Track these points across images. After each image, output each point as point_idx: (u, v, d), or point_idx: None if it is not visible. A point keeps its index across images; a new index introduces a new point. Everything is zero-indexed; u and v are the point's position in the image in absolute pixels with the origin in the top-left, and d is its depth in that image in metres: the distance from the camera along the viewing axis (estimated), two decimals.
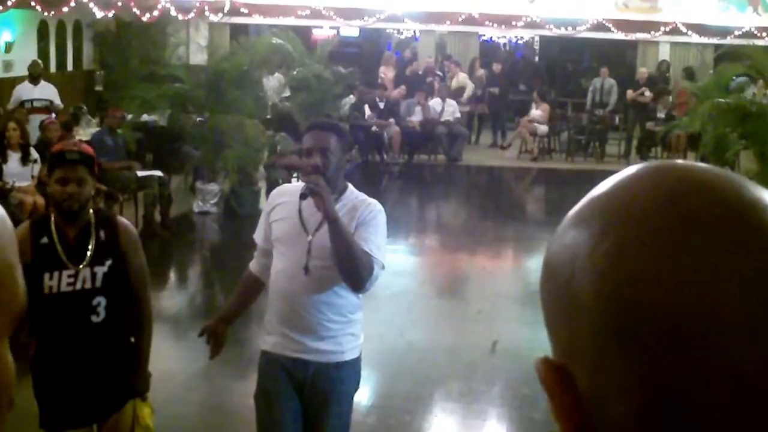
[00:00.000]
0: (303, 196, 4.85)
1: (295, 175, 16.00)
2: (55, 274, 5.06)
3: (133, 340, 5.41)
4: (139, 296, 5.36)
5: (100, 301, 5.13)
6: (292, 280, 5.08)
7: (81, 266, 5.10)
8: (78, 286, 5.09)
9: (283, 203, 5.20)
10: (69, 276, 5.08)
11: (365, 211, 5.05)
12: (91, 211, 5.24)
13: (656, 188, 0.98)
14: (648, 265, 0.93)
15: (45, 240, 5.10)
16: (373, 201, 5.17)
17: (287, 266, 5.11)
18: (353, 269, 4.85)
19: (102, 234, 5.18)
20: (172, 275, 13.18)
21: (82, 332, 5.12)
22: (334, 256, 4.84)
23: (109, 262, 5.16)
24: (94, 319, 5.13)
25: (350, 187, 5.22)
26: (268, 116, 18.32)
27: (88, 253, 5.12)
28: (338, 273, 4.91)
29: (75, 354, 5.14)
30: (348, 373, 5.28)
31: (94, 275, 5.11)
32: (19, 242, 4.27)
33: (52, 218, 5.18)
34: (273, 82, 20.36)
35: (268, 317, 5.28)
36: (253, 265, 5.49)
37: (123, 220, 5.42)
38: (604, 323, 0.94)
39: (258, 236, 5.41)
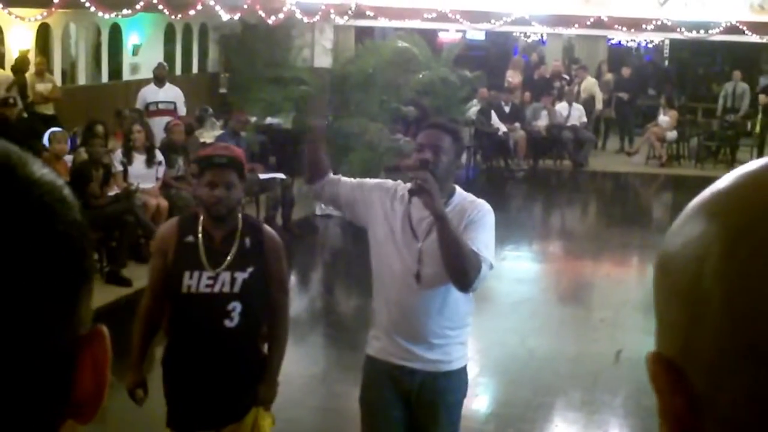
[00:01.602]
0: (411, 192, 4.77)
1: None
2: (195, 273, 5.10)
3: (266, 348, 5.40)
4: (278, 307, 5.35)
5: (236, 306, 5.12)
6: (402, 289, 5.02)
7: (221, 269, 5.11)
8: (216, 288, 5.10)
9: (387, 203, 5.12)
10: (208, 278, 5.11)
11: (473, 211, 4.96)
12: (240, 216, 5.26)
13: None
14: None
15: (190, 239, 5.15)
16: (482, 201, 5.09)
17: (396, 274, 5.04)
18: (461, 268, 4.74)
19: (247, 241, 5.19)
20: (293, 278, 13.18)
21: (214, 335, 5.13)
22: (441, 255, 4.74)
23: (250, 269, 5.16)
24: (227, 323, 5.12)
25: (458, 189, 5.13)
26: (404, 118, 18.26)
27: (230, 257, 5.13)
28: (446, 274, 4.82)
29: (204, 356, 5.16)
30: (456, 382, 5.20)
31: (233, 280, 5.12)
32: (165, 239, 4.48)
33: (201, 218, 5.20)
34: None
35: (376, 323, 5.24)
36: (337, 178, 5.33)
37: (270, 230, 5.42)
38: (734, 333, 0.85)
39: (360, 182, 5.30)
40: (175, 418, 5.29)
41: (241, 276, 5.12)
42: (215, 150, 5.31)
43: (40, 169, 0.92)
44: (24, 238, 0.87)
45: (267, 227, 5.46)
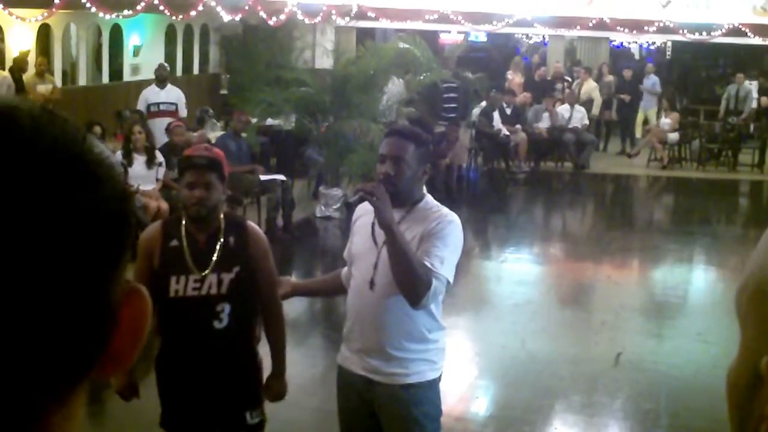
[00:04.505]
0: (348, 205, 4.71)
1: None
2: (182, 278, 5.07)
3: (263, 348, 5.37)
4: (270, 302, 5.31)
5: (225, 307, 5.10)
6: (359, 296, 4.93)
7: (207, 272, 5.08)
8: (204, 291, 5.07)
9: (362, 217, 5.04)
10: (195, 281, 5.07)
11: (433, 222, 4.74)
12: (222, 215, 5.20)
13: None
14: None
15: (174, 243, 5.11)
16: (447, 212, 4.85)
17: (356, 281, 4.97)
18: (408, 283, 4.56)
19: (231, 240, 5.14)
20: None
21: (204, 337, 5.11)
22: (390, 267, 4.61)
23: (236, 269, 5.12)
24: (217, 325, 5.09)
25: (427, 197, 4.95)
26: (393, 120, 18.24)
27: (214, 258, 5.10)
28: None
29: (195, 357, 5.15)
30: (423, 395, 4.94)
31: (220, 281, 5.09)
32: (149, 242, 4.48)
33: (184, 221, 5.17)
34: (398, 88, 20.20)
35: (343, 332, 5.15)
36: (344, 271, 5.34)
37: (253, 226, 5.36)
38: None
39: (346, 251, 5.26)
40: (168, 418, 5.29)
41: (227, 277, 5.09)
42: (195, 151, 5.27)
43: (99, 144, 1.00)
44: (91, 202, 0.95)
45: (250, 223, 5.39)
